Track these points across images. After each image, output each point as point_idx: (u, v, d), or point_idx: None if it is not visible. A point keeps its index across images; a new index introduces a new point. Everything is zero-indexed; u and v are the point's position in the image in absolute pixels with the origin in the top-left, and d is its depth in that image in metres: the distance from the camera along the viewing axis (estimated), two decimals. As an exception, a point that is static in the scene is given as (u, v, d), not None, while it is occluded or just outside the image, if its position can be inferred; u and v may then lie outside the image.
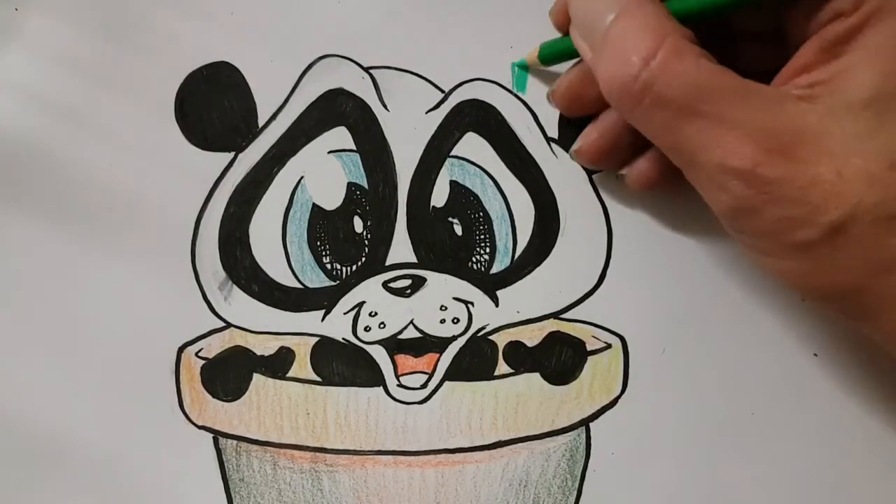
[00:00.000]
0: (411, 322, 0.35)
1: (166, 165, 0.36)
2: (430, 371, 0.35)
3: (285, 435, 0.35)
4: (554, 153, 0.37)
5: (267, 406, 0.35)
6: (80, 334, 0.35)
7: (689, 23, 0.29)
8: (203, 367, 0.35)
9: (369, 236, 0.36)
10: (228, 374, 0.35)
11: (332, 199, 0.36)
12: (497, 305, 0.36)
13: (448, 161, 0.36)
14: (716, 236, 0.36)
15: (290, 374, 0.35)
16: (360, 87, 0.37)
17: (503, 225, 0.36)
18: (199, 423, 0.35)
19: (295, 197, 0.36)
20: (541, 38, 0.36)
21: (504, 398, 0.36)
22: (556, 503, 0.35)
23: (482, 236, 0.36)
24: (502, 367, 0.36)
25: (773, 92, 0.28)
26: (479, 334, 0.36)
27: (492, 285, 0.36)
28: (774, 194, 0.27)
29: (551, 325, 0.36)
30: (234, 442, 0.35)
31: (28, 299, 0.35)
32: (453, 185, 0.36)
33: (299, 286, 0.36)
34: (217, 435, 0.35)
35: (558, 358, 0.36)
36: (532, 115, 0.37)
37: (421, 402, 0.35)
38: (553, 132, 0.37)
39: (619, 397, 0.36)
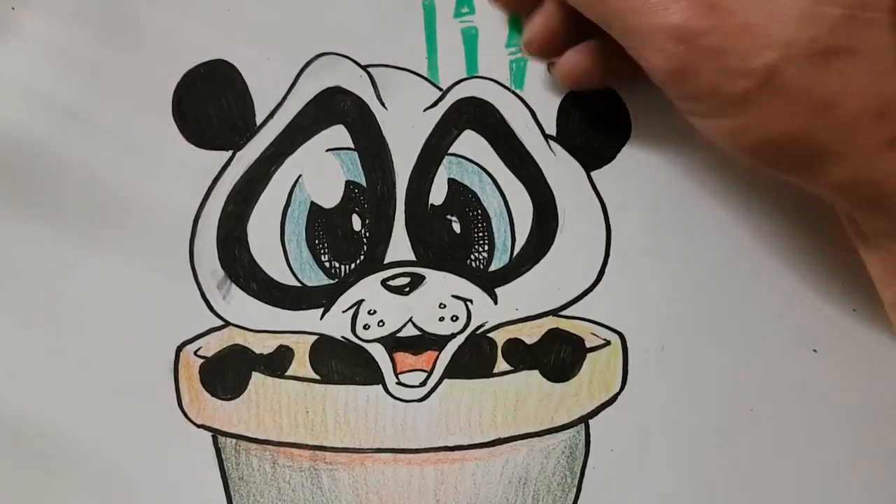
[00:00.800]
0: (410, 320, 0.35)
1: (164, 164, 0.36)
2: (429, 369, 0.35)
3: (284, 433, 0.35)
4: (552, 150, 0.37)
5: (266, 404, 0.35)
6: (78, 333, 0.35)
7: None
8: (202, 366, 0.35)
9: (368, 234, 0.36)
10: (227, 372, 0.35)
11: (330, 198, 0.36)
12: (496, 303, 0.36)
13: (446, 159, 0.36)
14: (715, 233, 0.36)
15: (289, 372, 0.35)
16: (357, 84, 0.36)
17: (502, 222, 0.36)
18: (198, 422, 0.35)
19: (293, 195, 0.36)
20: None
21: (503, 396, 0.36)
22: (555, 500, 0.35)
23: (481, 234, 0.36)
24: (501, 365, 0.36)
25: None
26: (478, 332, 0.36)
27: (490, 283, 0.36)
28: (707, 46, 0.27)
29: (550, 323, 0.36)
30: (234, 440, 0.35)
31: (25, 298, 0.35)
32: (451, 182, 0.36)
33: (298, 284, 0.36)
34: (216, 433, 0.35)
35: (557, 355, 0.36)
36: (530, 112, 0.37)
37: (420, 400, 0.35)
38: (551, 129, 0.37)
39: (618, 394, 0.36)
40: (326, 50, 0.37)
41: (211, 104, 0.36)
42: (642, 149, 0.37)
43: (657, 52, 0.28)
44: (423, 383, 0.35)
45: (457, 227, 0.36)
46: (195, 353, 0.35)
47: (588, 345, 0.36)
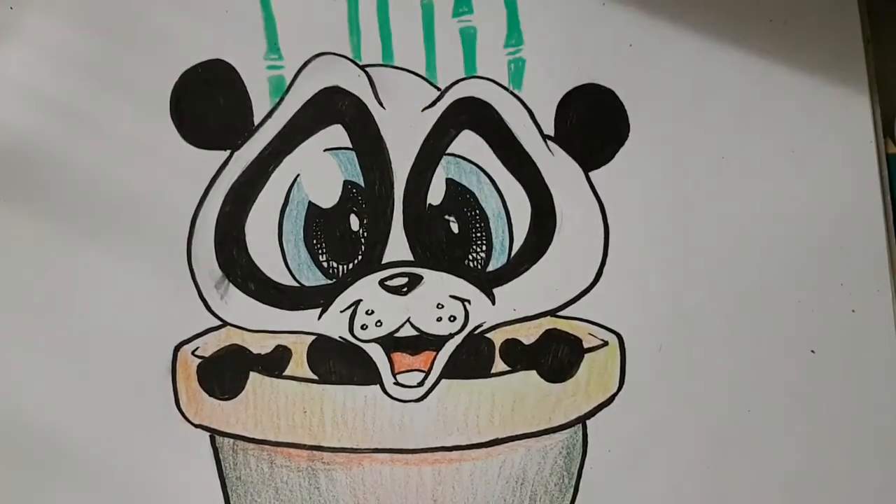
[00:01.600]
0: (408, 320, 0.35)
1: (162, 164, 0.36)
2: (426, 369, 0.35)
3: (282, 433, 0.35)
4: (550, 151, 0.36)
5: (264, 404, 0.35)
6: (76, 333, 0.35)
7: None
8: (199, 366, 0.35)
9: (366, 234, 0.36)
10: (225, 372, 0.35)
11: (328, 198, 0.36)
12: (493, 303, 0.36)
13: (444, 159, 0.36)
14: (712, 234, 0.36)
15: (287, 372, 0.35)
16: (356, 84, 0.36)
17: (500, 222, 0.36)
18: (196, 422, 0.35)
19: (291, 195, 0.36)
20: (540, 38, 0.36)
21: (501, 396, 0.36)
22: (552, 500, 0.35)
23: (478, 234, 0.36)
24: (499, 365, 0.36)
25: None
26: (476, 332, 0.36)
27: (488, 283, 0.36)
28: None
29: (548, 323, 0.36)
30: (231, 440, 0.35)
31: (24, 298, 0.35)
32: (449, 182, 0.36)
33: (296, 284, 0.36)
34: (214, 433, 0.35)
35: (555, 355, 0.36)
36: (528, 112, 0.37)
37: (418, 400, 0.35)
38: (549, 130, 0.37)
39: (615, 394, 0.36)
40: (324, 50, 0.37)
41: (209, 104, 0.36)
42: (640, 149, 0.36)
43: None
44: (421, 383, 0.35)
45: (455, 228, 0.36)
46: (193, 353, 0.35)
47: (586, 345, 0.36)
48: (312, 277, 0.36)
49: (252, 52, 0.36)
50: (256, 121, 0.36)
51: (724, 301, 0.36)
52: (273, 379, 0.35)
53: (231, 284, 0.36)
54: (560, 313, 0.36)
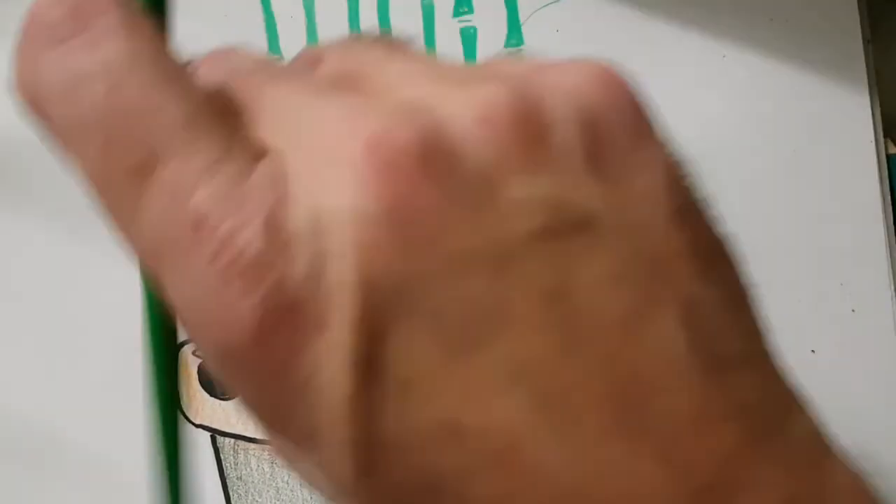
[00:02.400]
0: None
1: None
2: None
3: (283, 433, 0.35)
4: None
5: (264, 404, 0.35)
6: (76, 333, 0.35)
7: None
8: (200, 366, 0.35)
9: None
10: (226, 372, 0.35)
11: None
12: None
13: (445, 159, 0.36)
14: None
15: (288, 372, 0.35)
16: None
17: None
18: (197, 422, 0.35)
19: (291, 195, 0.36)
20: (540, 38, 0.36)
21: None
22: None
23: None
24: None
25: None
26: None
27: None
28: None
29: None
30: (232, 440, 0.35)
31: (25, 298, 0.35)
32: (450, 182, 0.36)
33: (296, 284, 0.36)
34: (215, 433, 0.35)
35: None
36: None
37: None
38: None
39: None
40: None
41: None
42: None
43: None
44: (422, 383, 0.35)
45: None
46: (194, 352, 0.35)
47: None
48: (313, 277, 0.36)
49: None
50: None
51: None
52: (274, 379, 0.35)
53: (232, 284, 0.36)
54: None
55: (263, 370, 0.14)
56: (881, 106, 0.37)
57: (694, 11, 0.37)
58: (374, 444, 0.13)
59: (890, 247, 0.36)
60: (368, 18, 0.37)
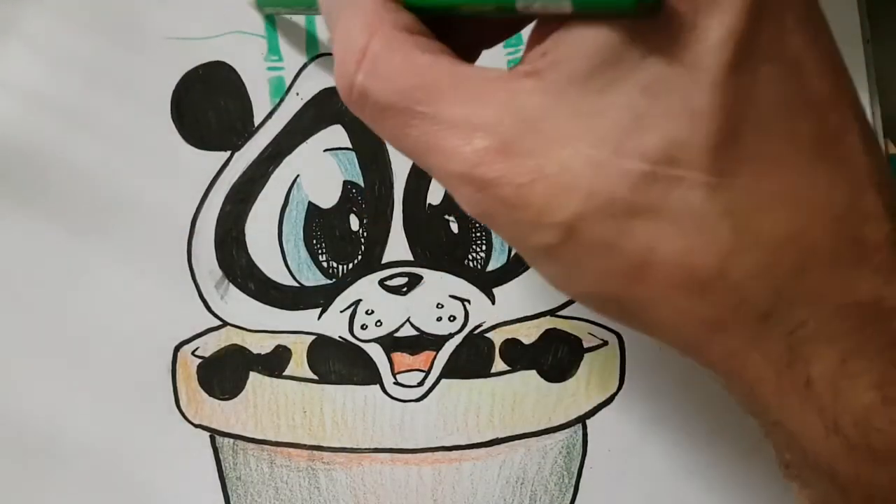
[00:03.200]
0: (408, 320, 0.36)
1: (162, 164, 0.36)
2: (426, 369, 0.35)
3: (282, 433, 0.35)
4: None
5: (264, 404, 0.35)
6: (76, 333, 0.35)
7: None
8: (199, 366, 0.35)
9: (365, 234, 0.36)
10: (225, 372, 0.35)
11: (327, 198, 0.36)
12: (493, 303, 0.36)
13: (444, 159, 0.36)
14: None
15: (287, 372, 0.35)
16: (355, 85, 0.36)
17: (499, 222, 0.36)
18: (196, 422, 0.35)
19: (291, 195, 0.36)
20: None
21: (501, 396, 0.36)
22: (552, 500, 0.35)
23: (478, 234, 0.36)
24: (499, 365, 0.36)
25: (494, 75, 0.23)
26: (476, 332, 0.36)
27: (488, 283, 0.36)
28: (500, 196, 0.22)
29: (548, 323, 0.36)
30: (231, 440, 0.35)
31: (24, 299, 0.35)
32: (449, 182, 0.36)
33: (295, 284, 0.36)
34: (214, 433, 0.35)
35: (555, 355, 0.36)
36: (528, 112, 0.37)
37: (418, 400, 0.35)
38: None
39: (615, 394, 0.36)
40: (324, 51, 0.37)
41: (209, 105, 0.36)
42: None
43: (458, 197, 0.23)
44: (421, 383, 0.36)
45: (454, 227, 0.36)
46: (193, 353, 0.35)
47: (585, 345, 0.36)
48: (312, 277, 0.36)
49: (252, 53, 0.37)
50: (256, 121, 0.36)
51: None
52: (273, 379, 0.35)
53: (231, 284, 0.36)
54: (560, 313, 0.36)
55: None
56: (881, 106, 0.37)
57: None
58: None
59: (890, 246, 0.36)
60: (368, 19, 0.37)
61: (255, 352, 0.36)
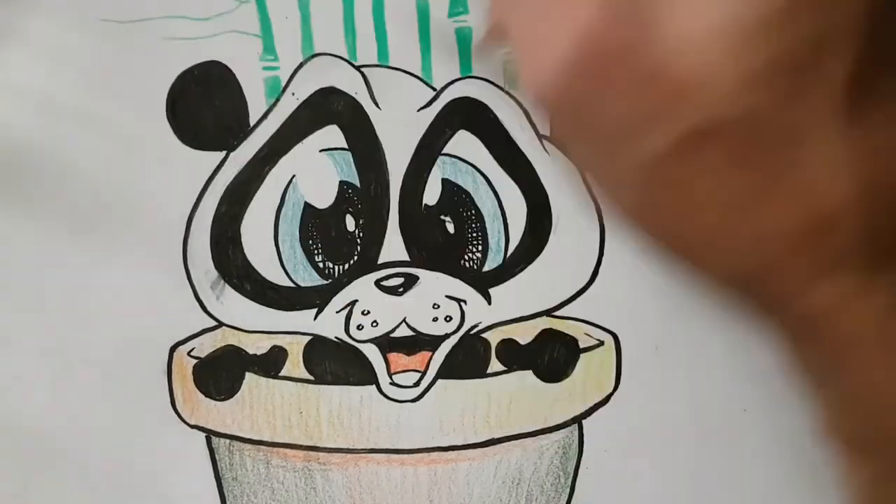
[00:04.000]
0: (404, 320, 0.35)
1: (158, 165, 0.36)
2: (422, 369, 0.35)
3: (278, 434, 0.35)
4: (546, 151, 0.37)
5: (260, 405, 0.35)
6: (72, 334, 0.35)
7: None
8: (195, 367, 0.35)
9: (361, 235, 0.36)
10: (221, 373, 0.35)
11: (323, 198, 0.36)
12: (489, 303, 0.36)
13: (440, 159, 0.36)
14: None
15: (283, 372, 0.35)
16: (351, 85, 0.36)
17: (495, 223, 0.36)
18: (192, 423, 0.35)
19: (287, 196, 0.36)
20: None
21: (497, 396, 0.36)
22: (548, 500, 0.35)
23: (474, 234, 0.36)
24: (495, 365, 0.36)
25: None
26: (472, 332, 0.36)
27: (484, 283, 0.36)
28: (619, 69, 0.19)
29: (544, 323, 0.36)
30: (227, 441, 0.35)
31: (19, 299, 0.35)
32: (445, 183, 0.36)
33: (291, 285, 0.36)
34: (210, 434, 0.35)
35: (551, 355, 0.36)
36: (524, 112, 0.37)
37: (414, 401, 0.35)
38: (545, 130, 0.37)
39: (611, 394, 0.36)
40: (320, 50, 0.37)
41: (205, 105, 0.36)
42: (636, 149, 0.36)
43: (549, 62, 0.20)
44: (417, 384, 0.36)
45: (451, 228, 0.36)
46: (189, 353, 0.35)
47: (581, 345, 0.36)
48: (308, 278, 0.36)
49: (248, 53, 0.36)
50: (252, 122, 0.36)
51: (720, 300, 0.36)
52: (269, 379, 0.35)
53: (227, 285, 0.36)
54: (556, 313, 0.36)
55: None
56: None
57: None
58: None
59: (885, 246, 0.36)
60: (364, 18, 0.37)
61: (251, 352, 0.35)
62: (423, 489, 0.35)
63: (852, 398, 0.22)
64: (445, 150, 0.36)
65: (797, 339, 0.22)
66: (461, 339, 0.36)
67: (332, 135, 0.36)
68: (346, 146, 0.36)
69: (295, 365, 0.35)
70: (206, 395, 0.35)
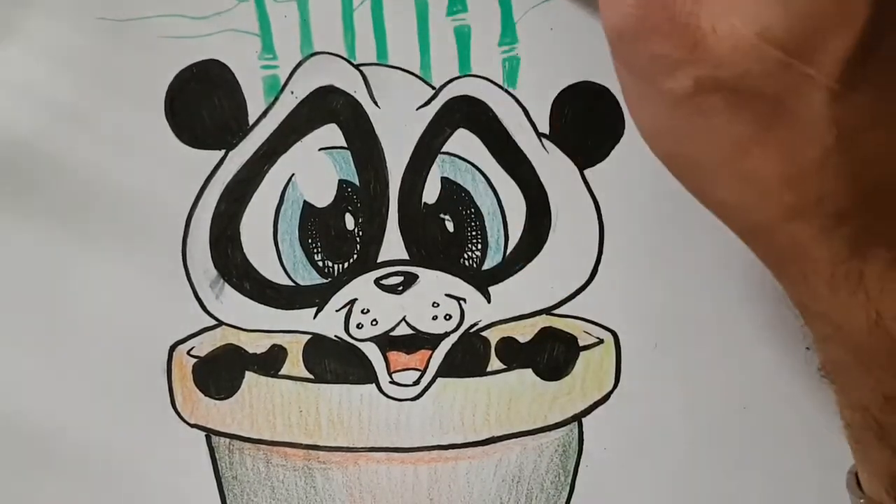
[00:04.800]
0: (403, 319, 0.36)
1: (156, 163, 0.36)
2: (422, 368, 0.36)
3: (278, 433, 0.35)
4: (545, 149, 0.37)
5: (259, 404, 0.35)
6: (71, 333, 0.35)
7: None
8: (195, 366, 0.35)
9: (361, 233, 0.36)
10: (221, 372, 0.35)
11: (323, 197, 0.36)
12: (489, 301, 0.36)
13: (439, 157, 0.36)
14: (708, 231, 0.36)
15: (283, 371, 0.35)
16: (350, 83, 0.36)
17: (495, 221, 0.36)
18: (192, 422, 0.35)
19: (286, 194, 0.36)
20: (534, 36, 0.36)
21: (497, 394, 0.36)
22: (548, 498, 0.36)
23: (474, 232, 0.36)
24: (495, 364, 0.36)
25: None
26: (472, 330, 0.36)
27: (484, 281, 0.36)
28: (655, 19, 0.24)
29: (543, 321, 0.36)
30: (227, 440, 0.35)
31: (19, 298, 0.35)
32: (444, 181, 0.36)
33: (291, 284, 0.36)
34: (210, 433, 0.35)
35: (550, 353, 0.36)
36: (523, 110, 0.37)
37: (414, 399, 0.36)
38: (544, 128, 0.37)
39: (611, 392, 0.36)
40: (319, 49, 0.37)
41: (203, 104, 0.36)
42: (636, 147, 0.36)
43: (616, 5, 0.25)
44: (417, 382, 0.36)
45: (450, 226, 0.36)
46: (188, 352, 0.35)
47: (581, 343, 0.36)
48: (308, 276, 0.36)
49: (246, 51, 0.36)
50: (251, 120, 0.36)
51: (719, 298, 0.36)
52: (269, 378, 0.35)
53: (226, 284, 0.36)
54: (555, 311, 0.36)
55: None
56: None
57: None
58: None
59: (884, 244, 0.36)
60: (362, 17, 0.37)
61: (250, 351, 0.35)
62: (423, 488, 0.35)
63: (819, 326, 0.26)
64: (445, 149, 0.36)
65: (775, 269, 0.27)
66: (461, 337, 0.36)
67: (331, 133, 0.36)
68: (345, 145, 0.36)
69: (294, 364, 0.35)
70: (206, 395, 0.35)
